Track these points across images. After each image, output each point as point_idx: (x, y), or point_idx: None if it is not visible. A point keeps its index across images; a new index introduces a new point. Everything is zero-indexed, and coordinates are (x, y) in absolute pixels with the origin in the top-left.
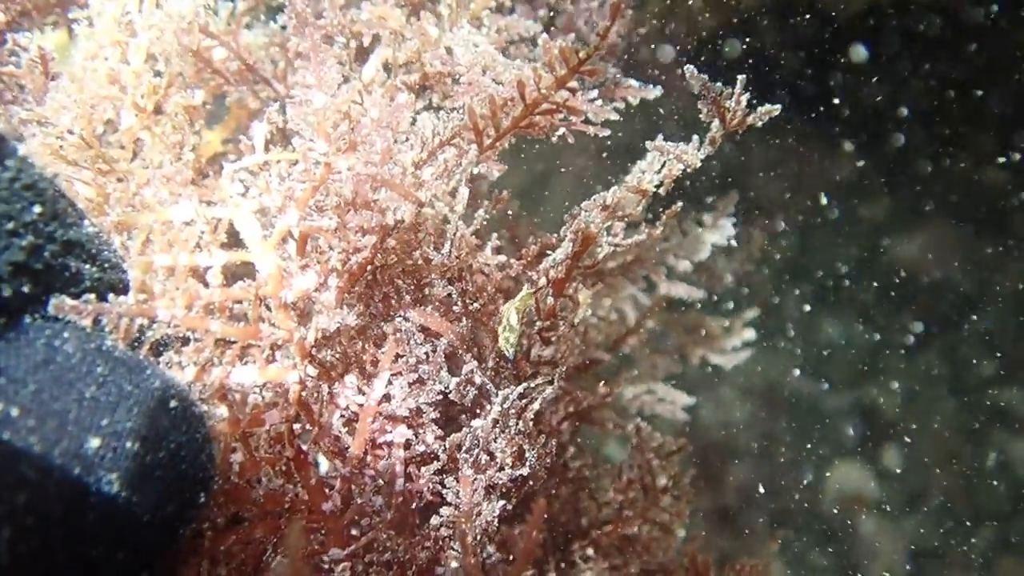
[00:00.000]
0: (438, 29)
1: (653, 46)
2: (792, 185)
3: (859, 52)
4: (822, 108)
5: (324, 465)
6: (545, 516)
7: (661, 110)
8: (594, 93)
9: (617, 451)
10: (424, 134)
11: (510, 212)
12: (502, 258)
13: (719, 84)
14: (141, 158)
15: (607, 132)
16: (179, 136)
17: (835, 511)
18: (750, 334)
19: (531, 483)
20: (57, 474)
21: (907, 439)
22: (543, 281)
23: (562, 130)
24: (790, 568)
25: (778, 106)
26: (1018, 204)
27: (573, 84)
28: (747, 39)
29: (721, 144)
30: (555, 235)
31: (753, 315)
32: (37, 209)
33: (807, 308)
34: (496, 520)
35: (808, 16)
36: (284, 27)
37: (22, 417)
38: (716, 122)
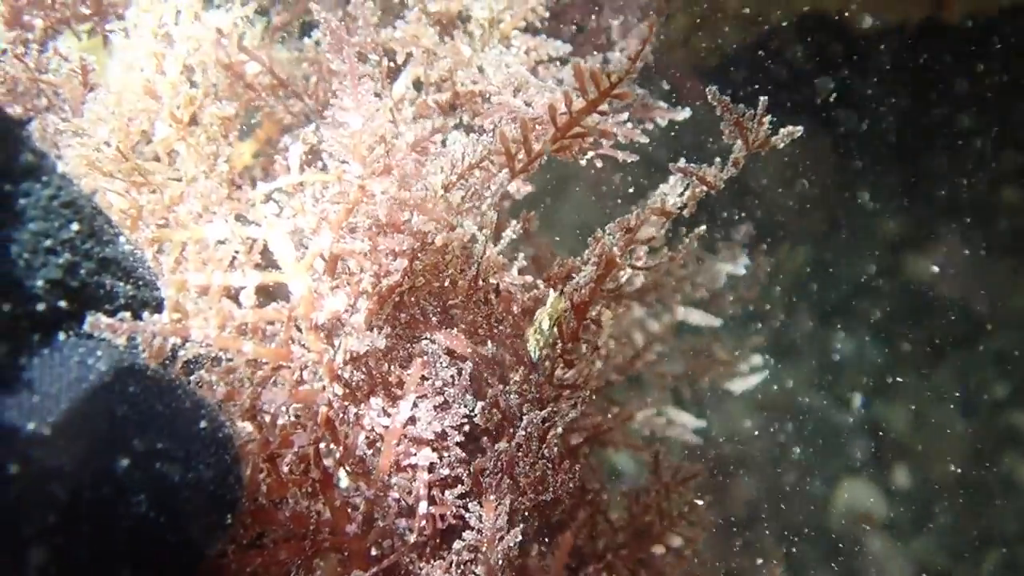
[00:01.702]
0: (470, 48)
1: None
2: (807, 200)
3: (880, 68)
4: (842, 123)
5: (344, 481)
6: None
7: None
8: (624, 116)
9: (625, 462)
10: (454, 156)
11: (530, 231)
12: (528, 278)
13: (741, 106)
14: (175, 169)
15: (636, 157)
16: (214, 147)
17: (843, 528)
18: (757, 360)
19: (554, 508)
20: (87, 494)
21: (917, 459)
22: (567, 304)
23: (591, 153)
24: None
25: (800, 128)
26: None
27: (604, 107)
28: (770, 54)
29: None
30: (577, 258)
31: (759, 340)
32: (75, 227)
33: (819, 324)
34: (518, 546)
35: (833, 31)
36: (317, 43)
37: (54, 436)
38: (739, 143)
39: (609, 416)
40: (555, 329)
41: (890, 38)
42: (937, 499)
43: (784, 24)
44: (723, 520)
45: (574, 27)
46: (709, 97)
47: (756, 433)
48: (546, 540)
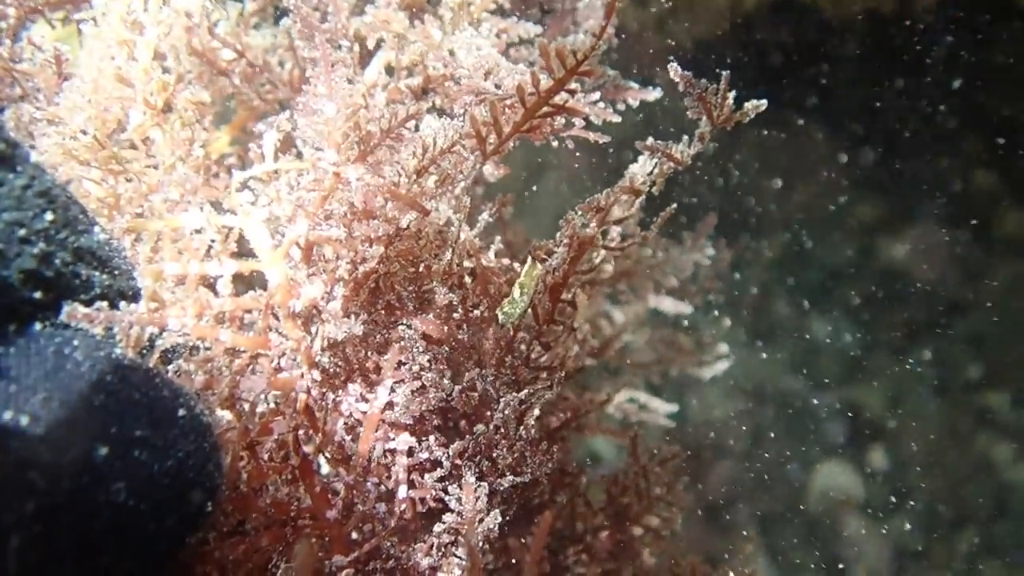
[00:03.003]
0: (441, 32)
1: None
2: (784, 185)
3: (854, 55)
4: (816, 109)
5: (325, 467)
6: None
7: (654, 106)
8: (595, 95)
9: (605, 447)
10: (426, 141)
11: (502, 216)
12: (505, 261)
13: (703, 80)
14: (151, 155)
15: (607, 138)
16: (189, 132)
17: (820, 511)
18: (724, 348)
19: (533, 490)
20: (66, 483)
21: (893, 440)
22: (540, 272)
23: (562, 134)
24: (774, 567)
25: (764, 102)
26: (1007, 208)
27: (573, 85)
28: (746, 40)
29: (713, 145)
30: (550, 241)
31: (725, 327)
32: (49, 216)
33: (795, 308)
34: (497, 527)
35: (805, 18)
36: (290, 29)
37: (32, 425)
38: (704, 119)
39: (586, 400)
40: (527, 298)
41: (862, 24)
42: (913, 480)
43: (757, 12)
44: (701, 503)
45: (540, 9)
46: (671, 74)
47: (733, 416)
48: (526, 523)
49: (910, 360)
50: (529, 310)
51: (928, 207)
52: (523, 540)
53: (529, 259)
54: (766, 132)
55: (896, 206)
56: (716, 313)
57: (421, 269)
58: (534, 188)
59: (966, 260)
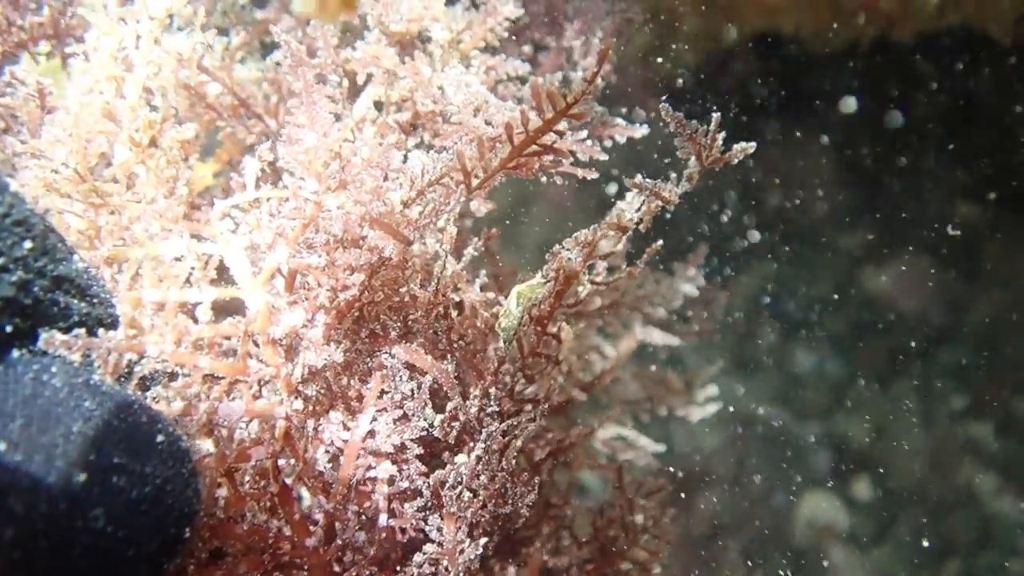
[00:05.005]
0: (430, 68)
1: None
2: (768, 215)
3: (837, 87)
4: (798, 141)
5: (307, 499)
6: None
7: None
8: (583, 133)
9: (591, 480)
10: (413, 173)
11: (489, 249)
12: (491, 295)
13: (694, 122)
14: (134, 191)
15: (595, 175)
16: (173, 170)
17: (805, 541)
18: (712, 390)
19: (514, 521)
20: (44, 509)
21: (878, 470)
22: (542, 288)
23: (550, 171)
24: None
25: (753, 144)
26: (989, 239)
27: (561, 125)
28: (729, 72)
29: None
30: (539, 273)
31: (714, 370)
32: (27, 245)
33: (780, 338)
34: (478, 559)
35: (788, 50)
36: (278, 63)
37: (9, 452)
38: (693, 159)
39: (571, 432)
40: (522, 309)
41: (843, 57)
42: (898, 510)
43: (739, 45)
44: (687, 535)
45: (533, 46)
46: (662, 113)
47: (719, 447)
48: (510, 556)
49: (894, 391)
50: (514, 344)
51: (912, 238)
52: (506, 573)
53: (539, 275)
54: (749, 164)
55: (880, 237)
56: (705, 348)
57: (406, 299)
58: (522, 220)
59: (950, 291)
